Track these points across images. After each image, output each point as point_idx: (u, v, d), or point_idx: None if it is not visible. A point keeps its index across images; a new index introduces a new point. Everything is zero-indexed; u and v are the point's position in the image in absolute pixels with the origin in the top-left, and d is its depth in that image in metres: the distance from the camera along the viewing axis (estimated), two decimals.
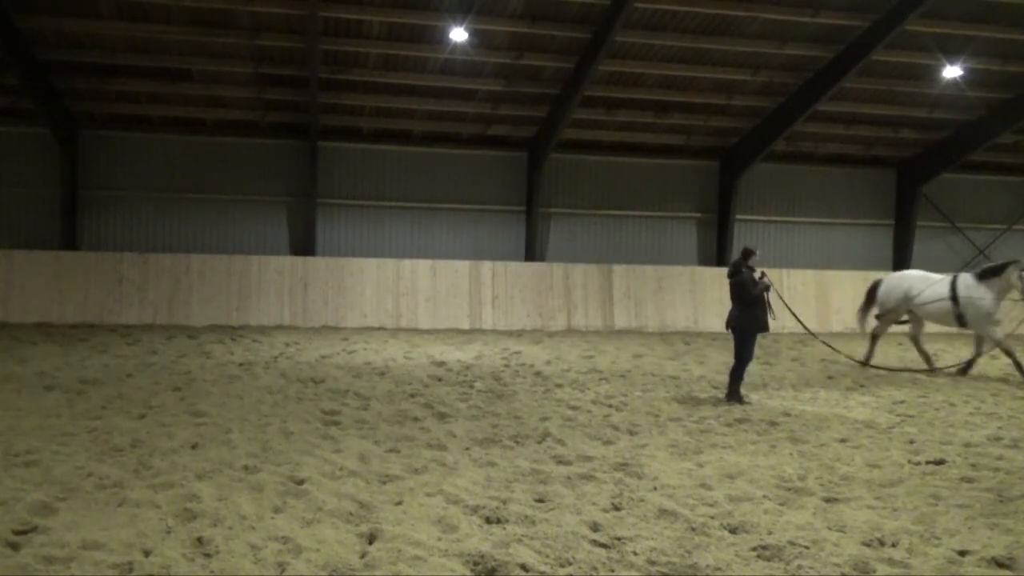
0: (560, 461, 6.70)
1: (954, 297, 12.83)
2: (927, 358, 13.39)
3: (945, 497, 5.85)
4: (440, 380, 10.91)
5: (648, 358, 13.89)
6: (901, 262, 22.22)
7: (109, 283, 17.27)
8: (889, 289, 13.64)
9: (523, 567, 4.34)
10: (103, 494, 5.44)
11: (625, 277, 19.41)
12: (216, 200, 19.36)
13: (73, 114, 18.34)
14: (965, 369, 13.02)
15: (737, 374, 9.88)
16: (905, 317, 13.74)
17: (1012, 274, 12.57)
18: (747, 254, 9.96)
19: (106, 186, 18.88)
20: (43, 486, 5.54)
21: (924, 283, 13.33)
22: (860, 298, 14.42)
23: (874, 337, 13.76)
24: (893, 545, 4.85)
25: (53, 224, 18.42)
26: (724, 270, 20.12)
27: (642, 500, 5.59)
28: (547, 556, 4.52)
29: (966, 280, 12.94)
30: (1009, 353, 12.46)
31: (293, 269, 18.17)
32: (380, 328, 17.81)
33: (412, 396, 9.61)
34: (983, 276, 12.86)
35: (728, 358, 14.07)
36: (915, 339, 13.75)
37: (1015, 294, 12.80)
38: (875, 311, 13.92)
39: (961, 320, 12.93)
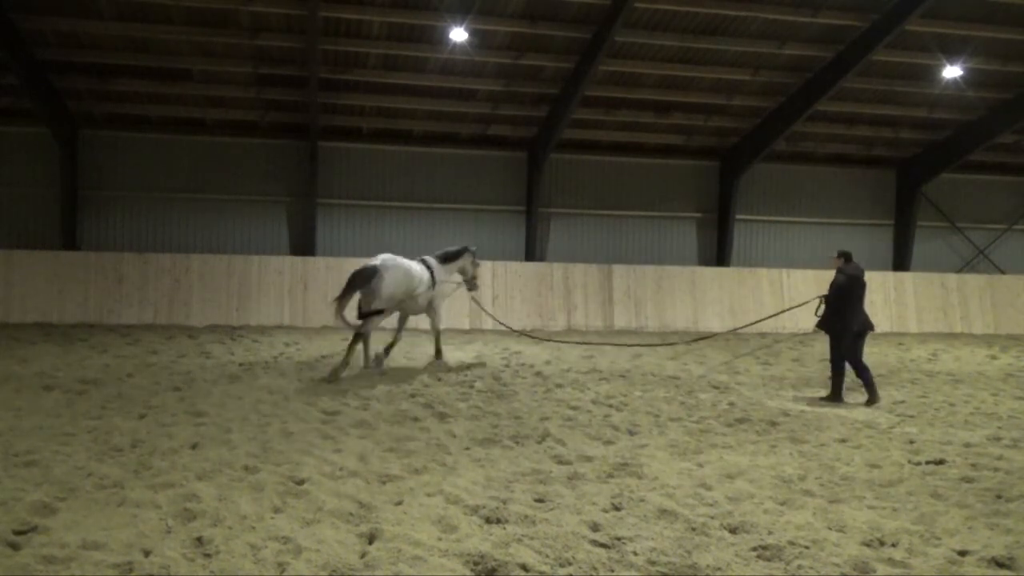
0: (560, 461, 6.70)
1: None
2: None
3: (945, 497, 5.85)
4: (440, 380, 10.90)
5: (648, 358, 13.89)
6: (901, 262, 22.25)
7: (109, 283, 17.27)
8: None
9: (523, 567, 4.34)
10: (103, 494, 5.44)
11: (625, 277, 19.42)
12: (216, 200, 19.37)
13: (73, 114, 18.35)
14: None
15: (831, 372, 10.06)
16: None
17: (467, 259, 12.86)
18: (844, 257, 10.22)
19: (106, 186, 18.89)
20: (43, 486, 5.54)
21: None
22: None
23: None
24: (893, 545, 4.85)
25: (53, 224, 18.43)
26: (724, 270, 20.31)
27: (642, 500, 5.59)
28: (547, 556, 4.52)
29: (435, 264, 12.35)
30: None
31: (293, 269, 18.17)
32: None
33: (412, 396, 9.61)
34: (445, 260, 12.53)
35: (727, 358, 14.11)
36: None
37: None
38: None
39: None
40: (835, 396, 9.88)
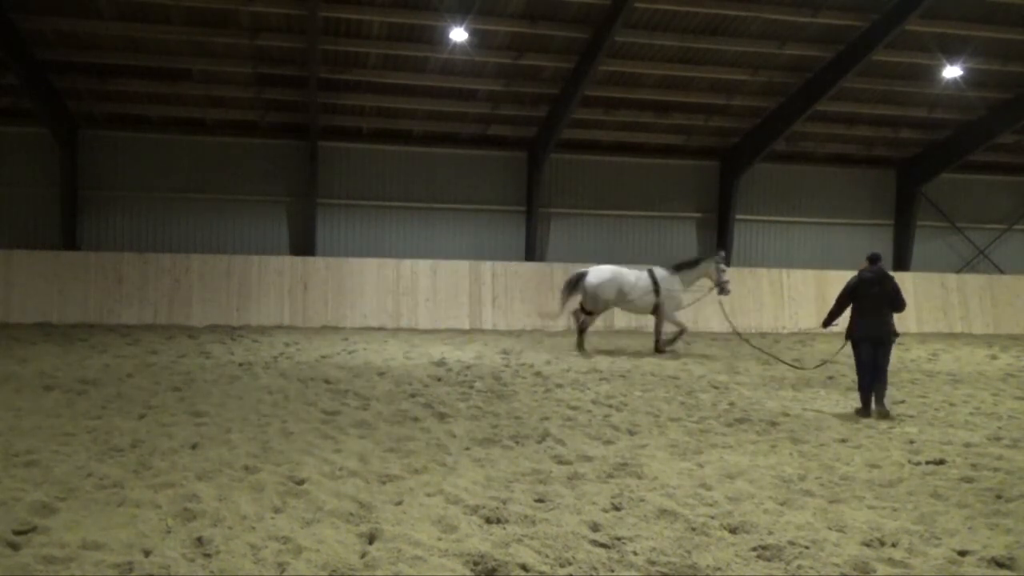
0: (560, 461, 6.70)
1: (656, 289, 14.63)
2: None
3: (945, 497, 5.85)
4: (440, 380, 10.91)
5: (648, 358, 13.89)
6: (901, 262, 22.25)
7: (109, 283, 17.28)
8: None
9: (523, 567, 4.34)
10: (103, 494, 5.44)
11: None
12: (216, 200, 19.37)
13: (73, 114, 18.35)
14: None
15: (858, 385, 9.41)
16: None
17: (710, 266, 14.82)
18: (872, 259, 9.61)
19: (106, 186, 18.89)
20: (43, 486, 5.54)
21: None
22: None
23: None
24: (893, 545, 4.84)
25: (53, 224, 18.43)
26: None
27: (642, 500, 5.59)
28: (547, 556, 4.51)
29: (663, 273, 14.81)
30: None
31: (293, 269, 18.17)
32: (380, 328, 17.82)
33: (412, 396, 9.61)
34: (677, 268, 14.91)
35: (729, 358, 14.11)
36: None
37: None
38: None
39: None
40: (864, 407, 9.23)
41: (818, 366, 12.27)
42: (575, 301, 15.01)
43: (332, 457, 6.55)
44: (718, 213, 21.53)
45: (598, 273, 14.74)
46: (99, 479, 5.75)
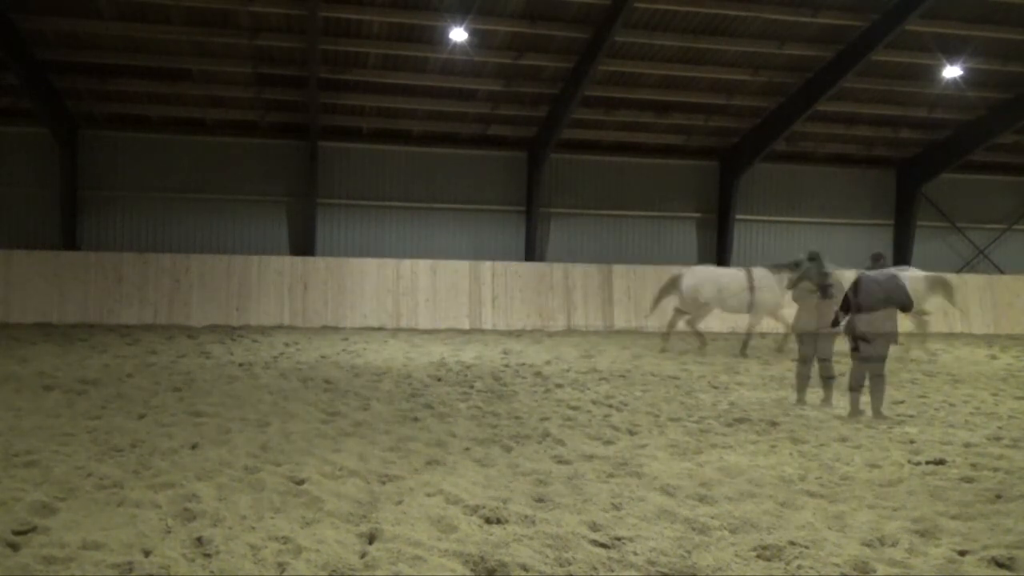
0: (560, 461, 6.70)
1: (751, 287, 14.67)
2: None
3: (945, 497, 5.85)
4: (440, 380, 10.91)
5: (648, 358, 13.89)
6: (901, 262, 22.23)
7: (109, 283, 17.28)
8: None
9: (523, 567, 4.33)
10: (103, 494, 5.43)
11: (625, 277, 19.42)
12: (216, 200, 19.38)
13: (73, 114, 18.35)
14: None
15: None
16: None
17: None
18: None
19: (106, 186, 18.90)
20: (43, 486, 5.54)
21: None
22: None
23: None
24: (893, 545, 4.84)
25: (53, 224, 18.43)
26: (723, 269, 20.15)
27: (642, 500, 5.58)
28: (547, 556, 4.51)
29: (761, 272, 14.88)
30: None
31: (293, 269, 18.18)
32: (380, 328, 17.81)
33: (412, 396, 9.60)
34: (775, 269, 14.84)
35: (728, 358, 14.10)
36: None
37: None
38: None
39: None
40: (853, 408, 9.18)
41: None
42: (670, 302, 15.22)
43: (332, 457, 6.55)
44: (718, 213, 21.53)
45: (695, 274, 14.95)
46: (99, 479, 5.75)
